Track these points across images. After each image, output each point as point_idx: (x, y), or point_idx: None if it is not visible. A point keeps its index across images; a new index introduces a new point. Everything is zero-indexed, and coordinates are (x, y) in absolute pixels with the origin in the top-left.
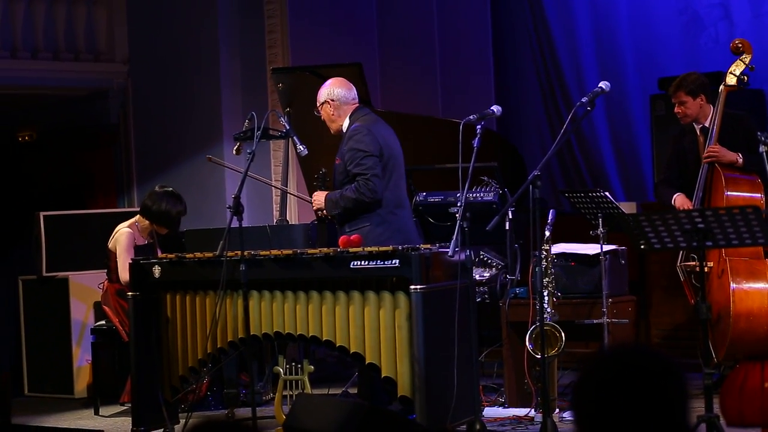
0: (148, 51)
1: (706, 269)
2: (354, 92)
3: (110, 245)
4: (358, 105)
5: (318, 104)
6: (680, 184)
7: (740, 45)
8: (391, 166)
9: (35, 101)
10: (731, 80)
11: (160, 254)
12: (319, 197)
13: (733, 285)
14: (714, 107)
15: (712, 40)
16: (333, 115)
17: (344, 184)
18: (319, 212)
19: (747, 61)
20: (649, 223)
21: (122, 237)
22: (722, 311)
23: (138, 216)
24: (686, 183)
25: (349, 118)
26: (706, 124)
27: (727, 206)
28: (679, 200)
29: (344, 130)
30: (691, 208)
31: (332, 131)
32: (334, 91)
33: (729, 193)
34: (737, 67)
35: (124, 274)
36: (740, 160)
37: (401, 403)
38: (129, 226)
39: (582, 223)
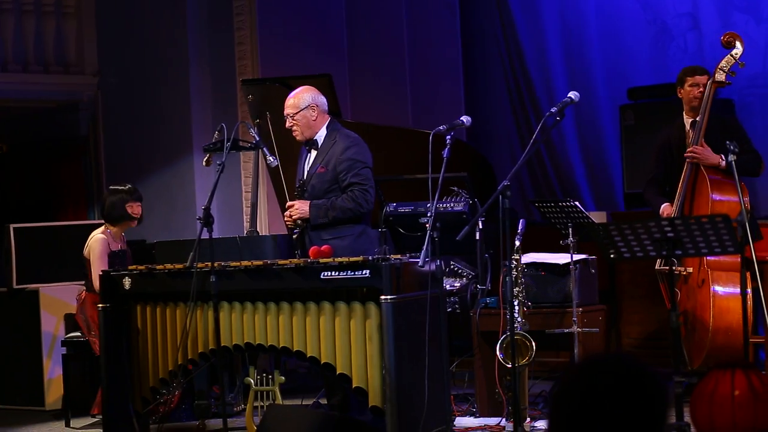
0: (118, 63)
1: (684, 273)
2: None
3: (85, 253)
4: (329, 116)
5: (296, 109)
6: (668, 182)
7: (731, 39)
8: None
9: (4, 114)
10: (720, 76)
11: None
12: (303, 206)
13: (712, 299)
14: (702, 104)
15: (680, 50)
16: (314, 120)
17: (328, 192)
18: (299, 221)
19: (738, 55)
20: (618, 232)
21: (96, 244)
22: (700, 320)
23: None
24: (675, 179)
25: (326, 127)
26: (698, 119)
27: (698, 215)
28: (667, 211)
29: (318, 139)
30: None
31: (302, 137)
32: (318, 98)
33: (714, 197)
34: (727, 63)
35: (97, 282)
36: (723, 163)
37: (372, 413)
38: (102, 233)
39: (552, 232)
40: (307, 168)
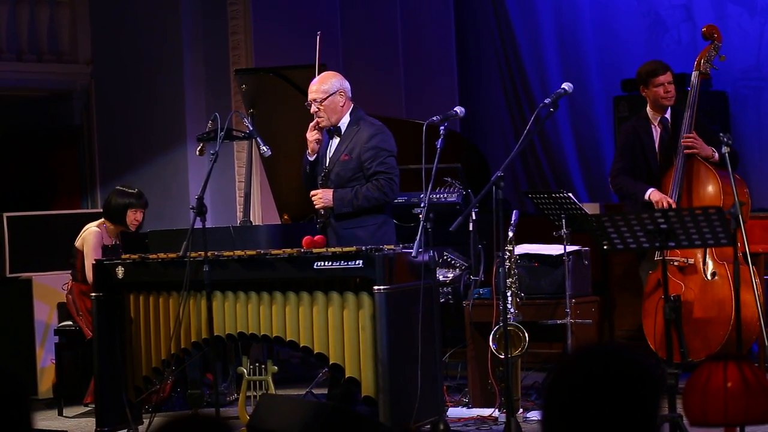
0: (112, 52)
1: (686, 264)
2: None
3: (78, 244)
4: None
5: (324, 94)
6: (637, 175)
7: (711, 30)
8: None
9: None
10: (705, 68)
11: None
12: (327, 194)
13: (723, 292)
14: (689, 96)
15: (674, 41)
16: (342, 106)
17: (352, 181)
18: (321, 211)
19: (718, 47)
20: (611, 224)
21: (90, 236)
22: (716, 314)
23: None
24: (646, 174)
25: (350, 115)
26: (666, 116)
27: (692, 206)
28: (656, 195)
29: (341, 126)
30: (669, 201)
31: (327, 123)
32: (344, 83)
33: (709, 188)
34: (709, 54)
35: (90, 274)
36: (716, 155)
37: (365, 403)
38: (98, 226)
39: (545, 223)
40: (329, 155)
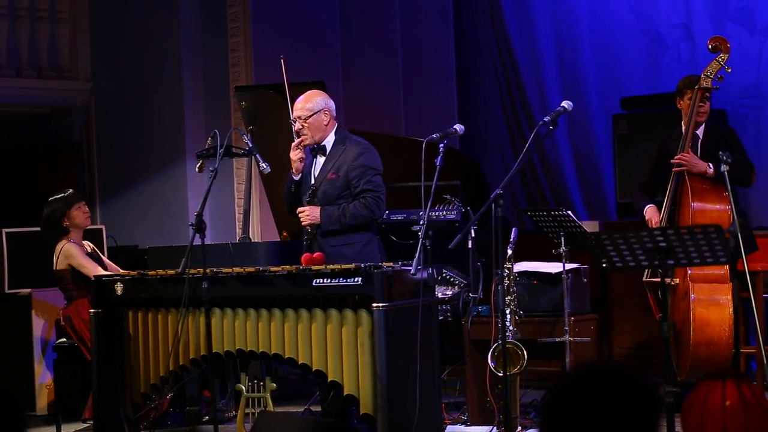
0: (111, 69)
1: (673, 284)
2: None
3: (59, 266)
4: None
5: (309, 112)
6: (660, 190)
7: (717, 44)
8: None
9: None
10: (706, 82)
11: (104, 258)
12: (315, 212)
13: (693, 314)
14: (689, 111)
15: (674, 60)
16: (326, 125)
17: (339, 199)
18: (309, 228)
19: (723, 60)
20: (611, 241)
21: (70, 250)
22: (684, 332)
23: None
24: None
25: (335, 134)
26: (698, 132)
27: (689, 225)
28: (649, 212)
29: (326, 144)
30: (657, 221)
31: (311, 141)
32: (330, 102)
33: (695, 205)
34: (713, 68)
35: (97, 271)
36: (710, 171)
37: (363, 420)
38: (67, 241)
39: (544, 241)
40: (314, 174)
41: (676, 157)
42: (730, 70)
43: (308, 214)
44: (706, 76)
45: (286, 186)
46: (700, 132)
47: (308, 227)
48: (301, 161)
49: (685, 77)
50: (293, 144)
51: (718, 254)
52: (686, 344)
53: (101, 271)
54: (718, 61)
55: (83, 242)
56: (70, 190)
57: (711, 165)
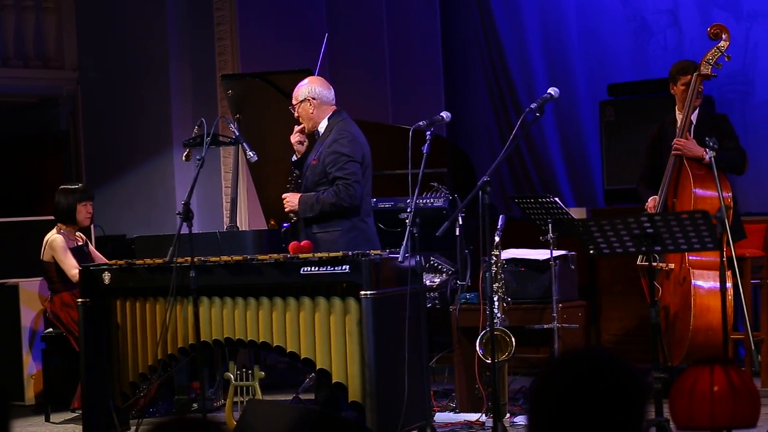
0: (98, 58)
1: (666, 269)
2: (333, 93)
3: (45, 257)
4: (335, 108)
5: (296, 101)
6: (657, 175)
7: (718, 30)
8: (367, 174)
9: None
10: (706, 69)
11: (92, 249)
12: (293, 199)
13: (693, 300)
14: (688, 97)
15: (660, 47)
16: (312, 113)
17: (318, 185)
18: (291, 214)
19: (724, 47)
20: (598, 228)
21: (55, 242)
22: (681, 318)
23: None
24: (663, 172)
25: (328, 120)
26: (682, 112)
27: (679, 210)
28: (651, 203)
29: (320, 130)
30: (653, 206)
31: (307, 130)
32: (315, 89)
33: (697, 191)
34: (713, 55)
35: (72, 272)
36: (707, 156)
37: (352, 408)
38: (57, 232)
39: (532, 228)
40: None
41: (673, 142)
42: (729, 59)
43: (289, 200)
44: (707, 63)
45: (291, 170)
46: (693, 117)
47: (290, 213)
48: (300, 144)
49: (677, 63)
50: (295, 128)
51: (705, 240)
52: (683, 329)
53: (75, 272)
54: (718, 49)
55: (76, 234)
56: (81, 185)
57: (707, 151)
